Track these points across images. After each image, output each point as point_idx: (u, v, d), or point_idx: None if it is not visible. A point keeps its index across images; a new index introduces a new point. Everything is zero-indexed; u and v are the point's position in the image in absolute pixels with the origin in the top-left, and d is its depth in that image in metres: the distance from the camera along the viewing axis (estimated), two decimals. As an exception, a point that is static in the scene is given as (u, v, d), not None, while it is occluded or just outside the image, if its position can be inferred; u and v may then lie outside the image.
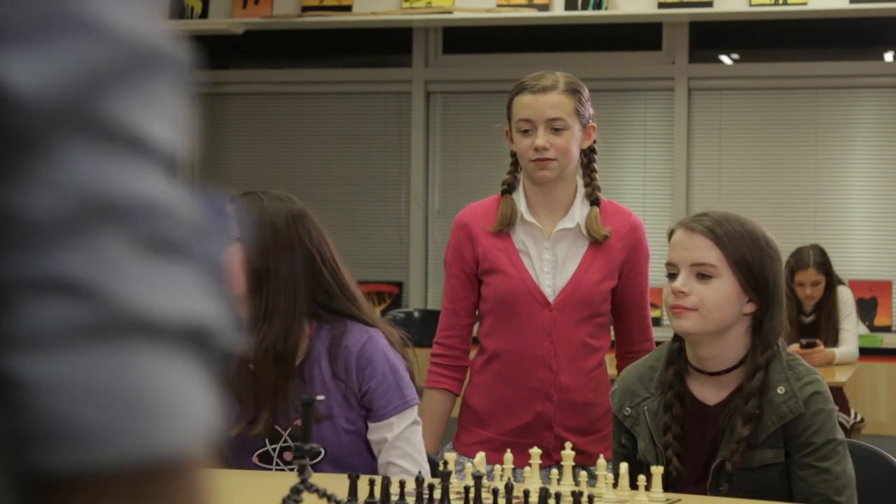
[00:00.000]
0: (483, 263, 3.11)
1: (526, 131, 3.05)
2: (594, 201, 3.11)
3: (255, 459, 2.70)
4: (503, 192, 3.14)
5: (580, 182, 3.14)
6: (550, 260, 3.07)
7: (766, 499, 2.43)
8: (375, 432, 2.71)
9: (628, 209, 3.18)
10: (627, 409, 2.58)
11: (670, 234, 2.57)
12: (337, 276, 2.70)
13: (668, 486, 2.36)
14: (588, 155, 3.13)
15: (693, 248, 2.48)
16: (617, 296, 3.12)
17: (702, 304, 2.45)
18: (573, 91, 3.06)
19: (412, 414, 2.74)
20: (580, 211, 3.10)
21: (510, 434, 3.06)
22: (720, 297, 2.46)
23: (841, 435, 2.49)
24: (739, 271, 2.48)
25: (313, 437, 2.63)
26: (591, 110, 3.11)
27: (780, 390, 2.46)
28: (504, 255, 3.09)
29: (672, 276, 2.51)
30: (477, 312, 3.19)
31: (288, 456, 2.67)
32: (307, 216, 2.71)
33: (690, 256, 2.48)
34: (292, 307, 2.64)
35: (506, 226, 3.09)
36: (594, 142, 3.14)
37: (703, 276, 2.47)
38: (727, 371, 2.50)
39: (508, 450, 2.47)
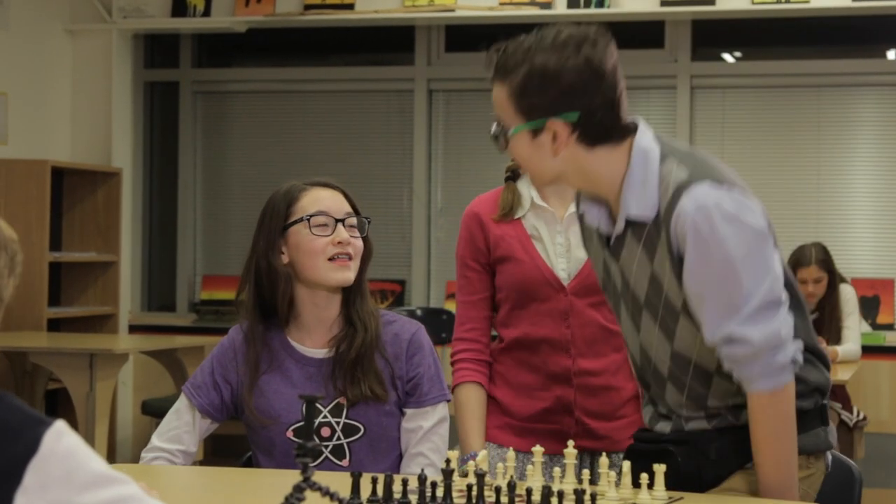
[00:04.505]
0: (495, 252, 3.08)
1: None
2: None
3: (289, 434, 2.73)
4: (507, 179, 3.12)
5: None
6: (563, 244, 3.05)
7: None
8: (412, 419, 2.77)
9: None
10: None
11: None
12: None
13: None
14: None
15: None
16: None
17: None
18: None
19: (445, 409, 2.81)
20: None
21: (531, 420, 3.04)
22: None
23: None
24: None
25: (356, 415, 2.70)
26: None
27: None
28: (516, 242, 3.06)
29: None
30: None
31: (325, 432, 2.72)
32: None
33: None
34: None
35: (508, 212, 3.07)
36: None
37: None
38: None
39: (511, 448, 2.47)
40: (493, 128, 2.31)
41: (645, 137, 2.30)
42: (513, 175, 3.12)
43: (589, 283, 3.02)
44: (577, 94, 2.23)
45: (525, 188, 3.10)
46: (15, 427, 1.46)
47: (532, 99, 2.24)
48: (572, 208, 3.04)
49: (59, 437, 1.46)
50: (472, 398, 3.06)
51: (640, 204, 2.27)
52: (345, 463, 2.70)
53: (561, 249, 3.06)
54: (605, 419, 3.03)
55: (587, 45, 2.24)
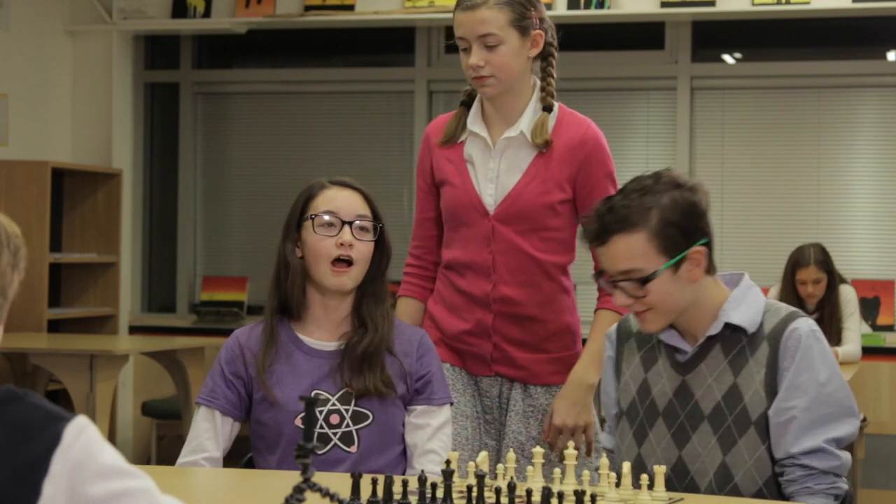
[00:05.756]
0: (436, 175, 3.13)
1: (465, 49, 3.01)
2: (547, 108, 3.05)
3: (297, 422, 2.72)
4: (462, 104, 3.13)
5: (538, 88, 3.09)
6: (494, 169, 3.06)
7: None
8: (422, 416, 2.77)
9: (588, 120, 3.09)
10: None
11: None
12: None
13: None
14: (546, 59, 3.07)
15: None
16: (578, 211, 3.06)
17: None
18: (506, 3, 2.97)
19: (449, 412, 2.82)
20: (530, 119, 3.04)
21: (455, 339, 3.10)
22: None
23: None
24: None
25: (365, 403, 2.70)
26: (540, 18, 3.02)
27: None
28: (453, 167, 3.10)
29: None
30: None
31: (334, 419, 2.71)
32: None
33: None
34: None
35: (450, 138, 3.10)
36: (551, 45, 3.06)
37: None
38: None
39: (511, 449, 2.48)
40: (625, 289, 2.43)
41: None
42: (469, 98, 3.12)
43: (515, 210, 3.03)
44: (703, 219, 2.46)
45: (473, 113, 3.09)
46: (41, 422, 1.52)
47: (674, 233, 2.42)
48: (508, 133, 3.05)
49: (80, 431, 1.51)
50: (405, 311, 3.18)
51: (742, 316, 2.47)
52: (353, 450, 2.70)
53: (491, 175, 3.06)
54: (527, 349, 3.03)
55: (686, 179, 2.47)
